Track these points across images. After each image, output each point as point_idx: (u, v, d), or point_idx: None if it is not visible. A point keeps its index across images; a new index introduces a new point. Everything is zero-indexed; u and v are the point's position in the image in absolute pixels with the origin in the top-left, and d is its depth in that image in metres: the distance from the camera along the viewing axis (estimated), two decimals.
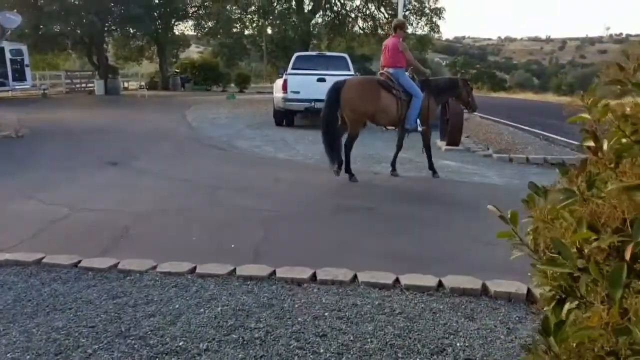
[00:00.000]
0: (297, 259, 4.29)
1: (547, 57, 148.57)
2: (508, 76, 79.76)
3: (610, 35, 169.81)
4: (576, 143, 11.72)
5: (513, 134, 13.36)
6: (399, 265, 4.30)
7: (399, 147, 7.97)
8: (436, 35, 29.93)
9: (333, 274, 3.82)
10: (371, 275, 3.81)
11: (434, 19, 27.75)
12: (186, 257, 4.25)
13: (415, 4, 27.59)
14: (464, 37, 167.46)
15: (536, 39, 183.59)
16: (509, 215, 1.64)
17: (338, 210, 5.96)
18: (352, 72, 13.65)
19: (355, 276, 3.82)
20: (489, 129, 13.95)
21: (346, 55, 15.05)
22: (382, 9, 28.89)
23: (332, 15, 30.04)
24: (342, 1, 29.71)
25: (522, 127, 14.71)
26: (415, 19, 27.87)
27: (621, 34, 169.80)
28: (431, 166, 7.87)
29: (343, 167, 7.38)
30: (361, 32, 30.77)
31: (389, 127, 7.90)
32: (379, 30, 29.51)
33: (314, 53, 16.98)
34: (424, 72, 7.81)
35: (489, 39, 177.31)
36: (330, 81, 13.07)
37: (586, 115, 1.61)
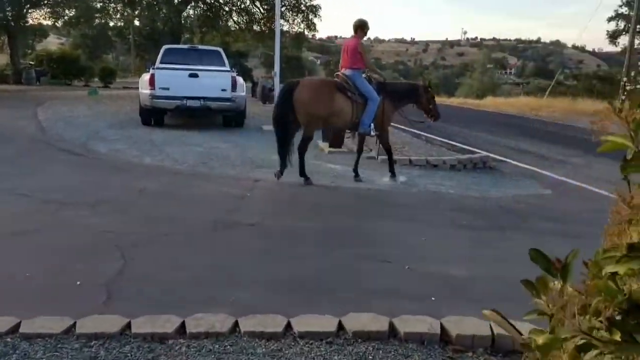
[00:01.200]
0: (163, 299, 3.41)
1: (412, 58, 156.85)
2: None
3: (467, 39, 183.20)
4: (453, 143, 11.88)
5: (392, 133, 13.26)
6: (290, 297, 3.60)
7: (360, 152, 7.78)
8: (312, 34, 29.72)
9: (208, 323, 2.99)
10: (256, 322, 3.03)
11: (310, 17, 27.47)
12: (10, 305, 3.20)
13: (292, 0, 27.12)
14: (336, 37, 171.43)
15: (402, 41, 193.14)
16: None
17: (216, 228, 5.10)
18: (227, 68, 12.73)
19: (235, 324, 3.03)
20: None
21: (220, 50, 14.07)
22: (258, 4, 28.07)
23: (205, 8, 28.64)
24: None
25: (399, 126, 14.73)
26: (292, 15, 27.41)
27: (476, 38, 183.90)
28: (392, 169, 7.71)
29: (295, 171, 7.11)
30: (236, 26, 29.71)
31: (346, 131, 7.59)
32: (255, 26, 28.69)
33: (185, 46, 15.74)
34: (380, 75, 7.68)
35: None
36: (204, 77, 12.27)
37: (627, 142, 0.99)
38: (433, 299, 3.72)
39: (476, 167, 9.23)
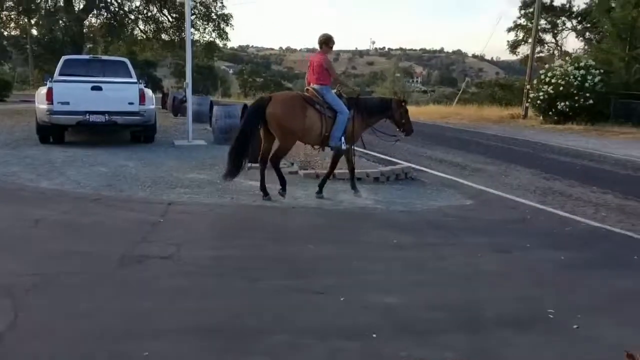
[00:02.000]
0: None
1: None
2: (291, 85, 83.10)
3: (376, 49, 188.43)
4: (373, 153, 11.78)
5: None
6: (216, 346, 3.15)
7: (352, 168, 7.73)
8: (223, 43, 29.02)
9: None
10: None
11: (221, 25, 26.80)
12: None
13: (202, 8, 26.32)
14: (248, 46, 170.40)
15: (314, 50, 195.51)
16: None
17: (124, 263, 4.50)
18: (134, 79, 11.92)
19: None
20: None
21: (126, 60, 13.19)
22: (166, 12, 27.03)
23: (109, 16, 27.17)
24: (120, 0, 27.06)
25: None
26: (202, 24, 26.62)
27: (384, 47, 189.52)
28: (354, 185, 7.66)
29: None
30: (143, 35, 28.43)
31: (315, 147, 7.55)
32: (163, 35, 27.60)
33: (86, 57, 14.67)
34: (352, 89, 7.59)
35: (272, 49, 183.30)
36: (108, 89, 11.36)
37: None
38: (374, 335, 3.38)
39: (398, 178, 9.12)
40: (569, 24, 33.15)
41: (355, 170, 9.08)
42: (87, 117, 10.63)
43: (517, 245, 5.74)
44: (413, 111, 27.34)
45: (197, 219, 6.18)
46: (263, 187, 7.14)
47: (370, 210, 6.97)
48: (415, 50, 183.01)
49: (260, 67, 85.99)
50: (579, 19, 32.08)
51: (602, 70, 20.64)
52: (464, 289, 4.42)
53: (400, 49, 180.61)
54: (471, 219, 7.05)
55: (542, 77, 20.63)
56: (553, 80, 20.11)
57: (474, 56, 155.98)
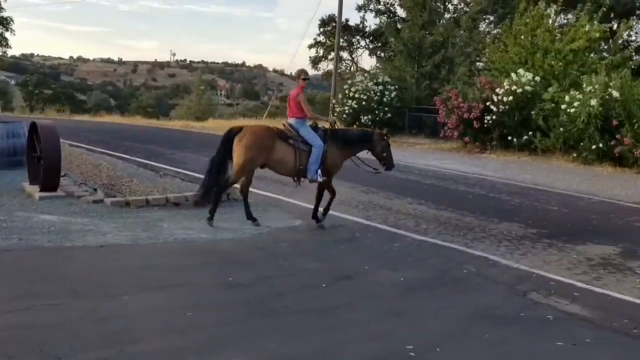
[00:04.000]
0: None
1: (121, 79, 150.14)
2: (85, 97, 76.78)
3: (177, 61, 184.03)
4: (187, 172, 10.91)
5: (113, 164, 11.60)
6: None
7: (331, 197, 7.52)
8: (3, 50, 25.21)
9: None
10: None
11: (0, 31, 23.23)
12: None
13: None
14: (32, 55, 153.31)
15: (109, 61, 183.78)
16: None
17: None
18: None
19: None
20: (83, 160, 11.76)
21: None
22: None
23: None
24: None
25: (122, 155, 13.10)
26: None
27: (185, 60, 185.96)
28: (315, 215, 7.44)
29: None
30: None
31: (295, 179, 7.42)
32: None
33: None
34: (326, 121, 7.77)
35: (61, 58, 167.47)
36: None
37: None
38: None
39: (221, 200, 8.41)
40: (363, 43, 35.65)
41: (173, 195, 8.21)
42: None
43: (355, 269, 5.49)
44: (223, 125, 26.77)
45: None
46: (249, 215, 7.23)
47: (195, 241, 6.19)
48: (217, 63, 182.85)
49: (48, 77, 77.52)
50: (371, 38, 34.69)
51: (396, 86, 22.34)
52: (316, 332, 3.95)
53: (202, 61, 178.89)
54: (303, 241, 6.69)
55: (347, 92, 21.62)
56: (356, 95, 21.19)
57: (274, 71, 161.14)
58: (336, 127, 7.65)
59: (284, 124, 7.50)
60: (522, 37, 18.03)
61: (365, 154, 7.65)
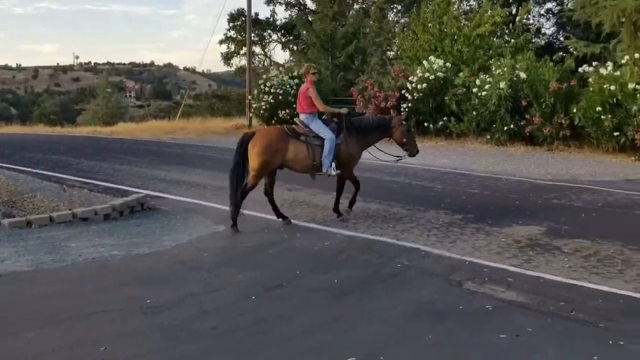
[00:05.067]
0: None
1: (21, 85, 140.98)
2: None
3: (81, 64, 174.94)
4: (97, 182, 10.13)
5: (13, 178, 10.56)
6: None
7: (339, 192, 7.51)
8: None
9: None
10: None
11: None
12: None
13: None
14: None
15: (7, 67, 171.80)
16: None
17: None
18: None
19: None
20: None
21: None
22: None
23: None
24: None
25: (24, 168, 12.00)
26: None
27: (90, 62, 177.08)
28: (336, 208, 7.52)
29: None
30: None
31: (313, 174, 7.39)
32: None
33: None
34: (338, 113, 7.47)
35: None
36: None
37: None
38: None
39: (134, 211, 7.81)
40: (274, 36, 35.17)
41: (81, 209, 7.51)
42: None
43: (286, 275, 5.17)
44: (133, 129, 25.57)
45: None
46: (279, 214, 7.29)
47: (107, 260, 5.61)
48: (124, 64, 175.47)
49: None
50: (282, 32, 34.29)
51: None
52: (249, 353, 3.60)
53: (108, 63, 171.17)
54: (228, 249, 6.29)
55: (262, 87, 21.14)
56: (272, 90, 20.78)
57: (185, 69, 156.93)
58: (350, 117, 7.46)
59: (295, 121, 7.52)
60: (430, 24, 18.37)
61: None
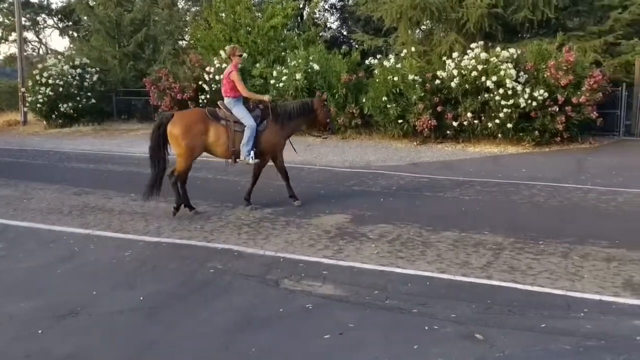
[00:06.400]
0: None
1: None
2: None
3: None
4: None
5: None
6: None
7: (254, 180, 7.48)
8: None
9: None
10: None
11: None
12: None
13: None
14: None
15: None
16: None
17: None
18: None
19: None
20: None
21: None
22: None
23: None
24: None
25: None
26: None
27: None
28: (292, 193, 7.60)
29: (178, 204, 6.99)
30: None
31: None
32: None
33: None
34: (261, 100, 7.31)
35: None
36: None
37: None
38: None
39: None
40: (50, 22, 31.45)
41: None
42: None
43: (81, 298, 4.48)
44: None
45: None
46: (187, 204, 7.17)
47: None
48: None
49: None
50: (60, 16, 30.80)
51: (98, 68, 20.23)
52: None
53: None
54: (6, 272, 5.25)
55: (38, 78, 18.65)
56: (50, 81, 18.44)
57: None
58: (275, 104, 7.35)
59: (218, 104, 7.30)
60: (224, 14, 18.01)
61: None
